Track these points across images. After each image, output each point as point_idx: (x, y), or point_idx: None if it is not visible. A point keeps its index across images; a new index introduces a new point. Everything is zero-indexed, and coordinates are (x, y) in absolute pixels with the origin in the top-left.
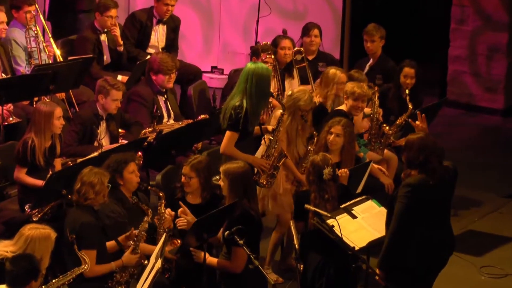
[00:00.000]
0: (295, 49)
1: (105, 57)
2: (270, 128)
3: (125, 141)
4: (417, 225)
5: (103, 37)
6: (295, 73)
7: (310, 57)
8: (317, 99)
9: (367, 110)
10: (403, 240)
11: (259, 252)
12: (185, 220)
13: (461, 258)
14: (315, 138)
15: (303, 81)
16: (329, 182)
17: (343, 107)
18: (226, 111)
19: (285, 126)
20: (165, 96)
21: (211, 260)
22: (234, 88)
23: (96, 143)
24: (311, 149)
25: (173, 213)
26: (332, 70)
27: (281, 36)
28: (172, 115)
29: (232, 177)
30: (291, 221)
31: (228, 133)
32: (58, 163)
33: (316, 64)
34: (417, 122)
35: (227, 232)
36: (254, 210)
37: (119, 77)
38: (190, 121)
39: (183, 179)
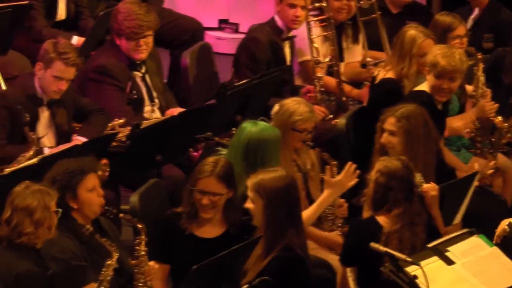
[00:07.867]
0: None
1: (59, 10)
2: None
3: (81, 140)
4: None
5: None
6: (361, 34)
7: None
8: (386, 74)
9: (468, 88)
10: None
11: None
12: None
13: None
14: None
15: (372, 45)
16: (416, 200)
17: (424, 86)
18: None
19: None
20: (143, 71)
21: None
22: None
23: (30, 141)
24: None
25: (157, 266)
26: (411, 32)
27: None
28: (157, 100)
29: (271, 194)
30: (347, 270)
31: None
32: None
33: None
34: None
35: (245, 286)
36: (302, 248)
37: (75, 39)
38: (185, 109)
39: (205, 200)
